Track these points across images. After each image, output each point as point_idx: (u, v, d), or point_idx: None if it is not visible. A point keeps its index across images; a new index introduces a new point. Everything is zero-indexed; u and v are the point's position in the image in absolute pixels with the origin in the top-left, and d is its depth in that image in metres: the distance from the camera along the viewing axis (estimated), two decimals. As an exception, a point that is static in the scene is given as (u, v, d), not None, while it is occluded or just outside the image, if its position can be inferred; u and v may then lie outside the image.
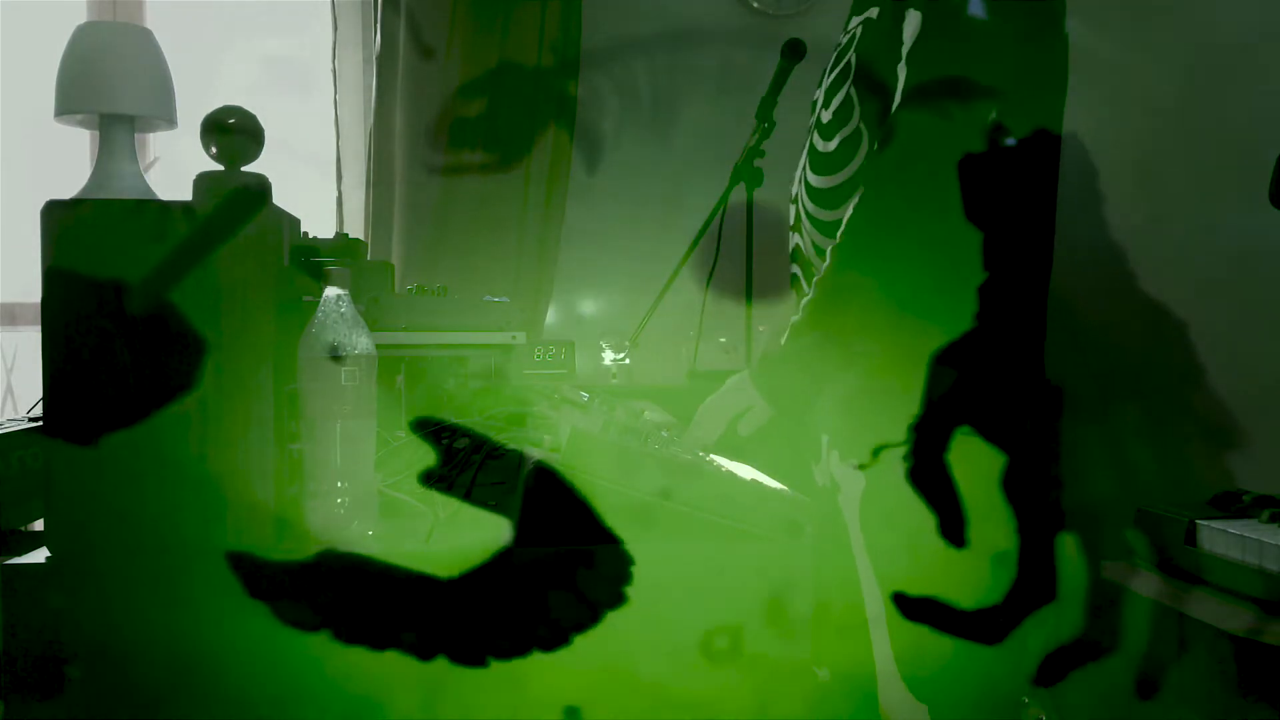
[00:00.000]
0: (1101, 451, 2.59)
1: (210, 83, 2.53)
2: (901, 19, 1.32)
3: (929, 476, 1.34)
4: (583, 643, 0.99)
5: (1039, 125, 1.36)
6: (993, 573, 1.37)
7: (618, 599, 0.99)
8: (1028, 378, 1.42)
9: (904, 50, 1.30)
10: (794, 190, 1.53)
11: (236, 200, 1.00)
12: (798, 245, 1.52)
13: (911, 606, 1.35)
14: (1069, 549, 2.22)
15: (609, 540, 1.01)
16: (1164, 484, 2.61)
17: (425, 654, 0.97)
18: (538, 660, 0.99)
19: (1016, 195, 1.36)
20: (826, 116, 1.45)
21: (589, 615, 0.99)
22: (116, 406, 0.98)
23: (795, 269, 1.54)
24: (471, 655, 0.97)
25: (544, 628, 0.98)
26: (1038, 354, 1.44)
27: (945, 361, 1.32)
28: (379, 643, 0.97)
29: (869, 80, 1.37)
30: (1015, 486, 1.36)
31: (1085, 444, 2.57)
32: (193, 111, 1.24)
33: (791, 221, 1.54)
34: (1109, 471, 2.57)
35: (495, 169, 2.43)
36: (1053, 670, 2.18)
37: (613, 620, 1.00)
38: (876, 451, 1.38)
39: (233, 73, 2.66)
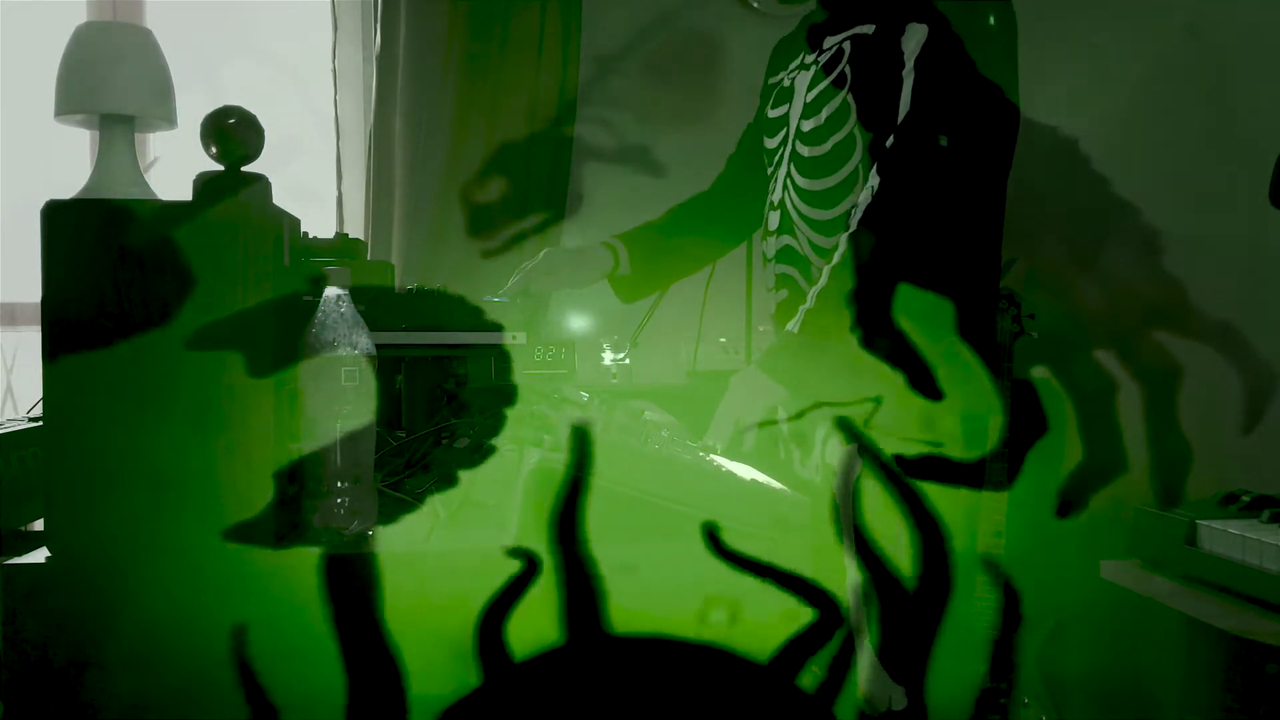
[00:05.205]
0: (1100, 449, 2.59)
1: (210, 83, 2.53)
2: (901, 33, 1.44)
3: (882, 339, 1.39)
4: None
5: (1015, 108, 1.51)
6: (979, 422, 1.44)
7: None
8: (957, 225, 1.48)
9: (908, 59, 1.43)
10: (776, 196, 1.61)
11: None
12: (789, 245, 1.58)
13: (911, 467, 1.39)
14: (1049, 384, 2.24)
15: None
16: (1164, 483, 2.61)
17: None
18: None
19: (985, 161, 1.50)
20: (809, 125, 1.55)
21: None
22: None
23: (786, 269, 1.60)
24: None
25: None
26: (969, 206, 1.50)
27: (866, 225, 1.39)
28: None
29: (867, 89, 1.48)
30: (973, 332, 1.43)
31: (1082, 442, 2.57)
32: (193, 111, 1.24)
33: (775, 225, 1.61)
34: (1108, 470, 2.57)
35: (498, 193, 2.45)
36: (1074, 496, 2.19)
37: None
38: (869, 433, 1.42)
39: (233, 72, 2.66)
